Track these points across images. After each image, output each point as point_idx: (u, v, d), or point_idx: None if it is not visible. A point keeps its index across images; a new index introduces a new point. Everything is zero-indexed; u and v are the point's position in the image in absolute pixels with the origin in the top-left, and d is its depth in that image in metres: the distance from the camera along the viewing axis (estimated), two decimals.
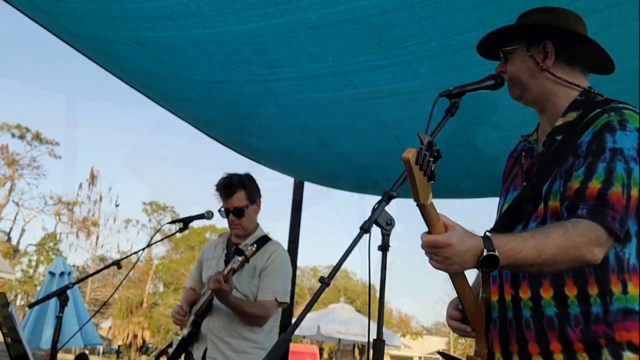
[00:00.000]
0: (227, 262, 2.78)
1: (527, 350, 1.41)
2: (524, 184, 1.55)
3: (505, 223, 1.54)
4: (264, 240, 2.88)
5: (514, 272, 1.46)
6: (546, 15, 1.61)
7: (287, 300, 2.84)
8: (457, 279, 1.39)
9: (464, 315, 1.55)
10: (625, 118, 1.39)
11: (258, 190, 2.93)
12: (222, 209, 2.86)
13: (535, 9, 1.63)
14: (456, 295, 1.48)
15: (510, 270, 1.41)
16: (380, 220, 1.28)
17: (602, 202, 1.32)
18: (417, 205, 1.24)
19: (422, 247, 1.29)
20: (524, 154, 1.65)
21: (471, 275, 1.51)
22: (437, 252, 1.26)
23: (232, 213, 2.82)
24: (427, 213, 1.25)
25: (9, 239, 37.03)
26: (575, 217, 1.33)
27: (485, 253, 1.25)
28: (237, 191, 2.82)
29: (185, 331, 2.78)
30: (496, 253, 1.25)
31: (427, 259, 1.30)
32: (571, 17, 1.60)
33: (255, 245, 2.68)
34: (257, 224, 2.95)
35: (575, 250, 1.29)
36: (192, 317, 2.78)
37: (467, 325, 1.54)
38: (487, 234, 1.34)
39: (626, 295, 1.35)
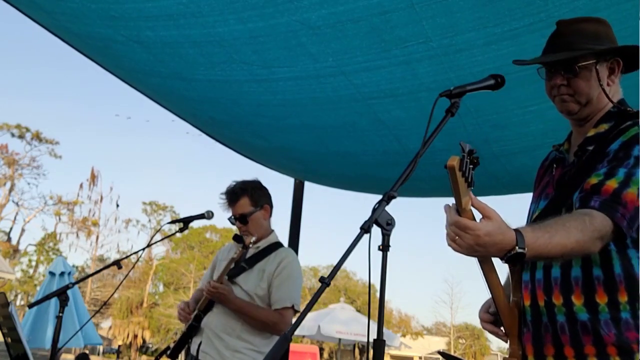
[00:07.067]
0: (236, 265, 2.77)
1: (562, 354, 1.44)
2: (555, 193, 1.58)
3: None
4: (276, 246, 2.86)
5: (546, 279, 1.50)
6: (600, 26, 1.61)
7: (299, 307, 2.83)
8: (486, 265, 1.41)
9: (497, 317, 1.58)
10: None
11: (265, 195, 2.89)
12: (231, 217, 2.85)
13: (582, 19, 1.62)
14: (489, 296, 1.51)
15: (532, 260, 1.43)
16: (380, 220, 1.28)
17: (616, 198, 1.36)
18: (457, 210, 1.29)
19: (448, 225, 1.29)
20: (554, 164, 1.68)
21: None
22: (463, 237, 1.27)
23: (238, 220, 2.81)
24: (466, 217, 1.29)
25: (9, 239, 37.03)
26: (588, 207, 1.37)
27: (516, 250, 1.27)
28: (241, 198, 2.81)
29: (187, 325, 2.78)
30: (525, 251, 1.27)
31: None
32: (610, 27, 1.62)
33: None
34: (271, 230, 2.92)
35: (590, 244, 1.33)
36: (195, 312, 2.78)
37: (500, 329, 1.58)
38: (519, 228, 1.35)
39: None
